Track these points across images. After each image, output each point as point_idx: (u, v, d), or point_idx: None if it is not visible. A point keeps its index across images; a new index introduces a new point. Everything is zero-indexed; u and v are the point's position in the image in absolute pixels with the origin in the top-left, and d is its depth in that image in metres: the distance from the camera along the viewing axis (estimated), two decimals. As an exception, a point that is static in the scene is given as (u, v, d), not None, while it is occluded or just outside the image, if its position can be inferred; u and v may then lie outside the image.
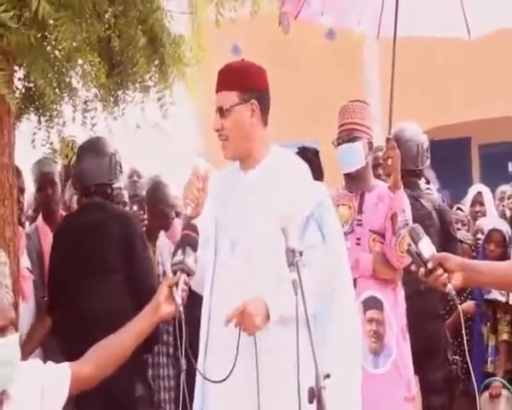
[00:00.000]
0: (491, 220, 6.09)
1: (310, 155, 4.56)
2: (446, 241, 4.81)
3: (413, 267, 2.58)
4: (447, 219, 5.03)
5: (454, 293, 2.52)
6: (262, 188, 3.07)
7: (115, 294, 4.17)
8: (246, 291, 2.92)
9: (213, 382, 2.88)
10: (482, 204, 6.56)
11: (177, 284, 2.52)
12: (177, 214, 5.85)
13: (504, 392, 5.25)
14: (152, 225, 5.13)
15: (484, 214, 6.49)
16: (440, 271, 2.51)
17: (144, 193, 5.45)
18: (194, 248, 2.61)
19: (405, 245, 2.68)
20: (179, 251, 2.59)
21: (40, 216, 5.00)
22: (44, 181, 4.92)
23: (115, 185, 4.49)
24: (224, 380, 2.82)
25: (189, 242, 2.61)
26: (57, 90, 4.06)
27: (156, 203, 5.13)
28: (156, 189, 5.22)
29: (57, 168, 4.99)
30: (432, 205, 4.93)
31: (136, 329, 2.55)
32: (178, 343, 2.55)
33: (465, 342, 2.80)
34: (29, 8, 3.53)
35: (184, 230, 2.67)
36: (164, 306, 2.53)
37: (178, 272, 2.55)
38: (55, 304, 4.34)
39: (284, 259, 2.55)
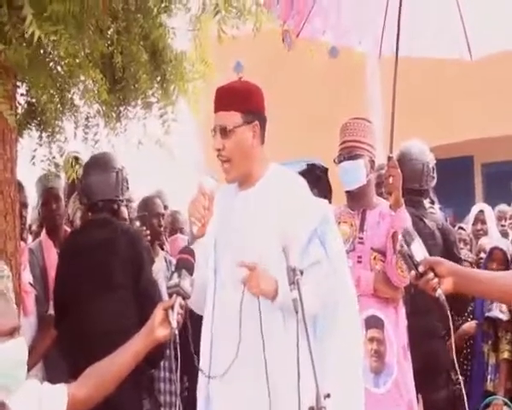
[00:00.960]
0: (492, 239, 6.07)
1: (319, 173, 4.56)
2: (450, 261, 4.78)
3: (404, 269, 2.56)
4: (451, 239, 5.00)
5: (443, 298, 2.51)
6: (262, 206, 3.06)
7: (123, 310, 4.15)
8: (246, 312, 2.91)
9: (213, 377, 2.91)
10: (484, 222, 6.55)
11: (172, 307, 2.52)
12: (181, 230, 5.87)
13: None
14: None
15: (486, 233, 6.49)
16: (431, 275, 2.52)
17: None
18: (191, 272, 2.60)
19: (398, 246, 2.66)
20: (175, 274, 2.58)
21: (44, 231, 5.02)
22: (49, 196, 4.95)
23: (121, 202, 4.46)
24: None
25: (184, 265, 2.60)
26: (59, 105, 4.07)
27: (146, 216, 5.22)
28: (146, 202, 5.35)
29: (61, 184, 5.00)
30: (435, 224, 4.92)
31: (131, 351, 2.54)
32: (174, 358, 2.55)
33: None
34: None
35: (181, 253, 2.66)
36: (159, 329, 2.52)
37: (174, 295, 2.54)
38: (62, 319, 4.33)
39: (285, 277, 2.55)
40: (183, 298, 2.54)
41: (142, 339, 2.55)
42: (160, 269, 5.05)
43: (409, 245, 2.54)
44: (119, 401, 3.57)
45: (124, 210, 4.68)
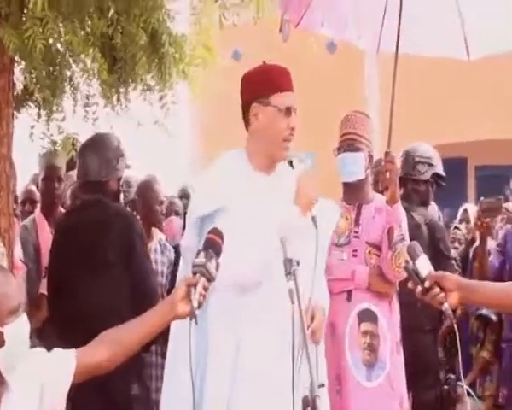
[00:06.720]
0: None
1: None
2: (435, 256, 4.76)
3: (410, 285, 2.58)
4: (437, 236, 4.99)
5: (450, 312, 2.53)
6: (278, 192, 3.09)
7: (115, 289, 4.14)
8: None
9: None
10: (468, 221, 6.57)
11: (195, 286, 2.45)
12: (176, 213, 5.87)
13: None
14: (144, 223, 5.13)
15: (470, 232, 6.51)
16: (437, 290, 2.52)
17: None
18: (218, 254, 2.52)
19: (403, 262, 2.66)
20: (202, 254, 2.50)
21: (38, 209, 5.01)
22: (51, 172, 4.94)
23: (112, 182, 4.40)
24: None
25: (212, 246, 2.53)
26: (58, 82, 4.03)
27: (147, 201, 5.17)
28: (147, 187, 5.28)
29: (63, 165, 4.98)
30: (423, 219, 4.93)
31: (148, 323, 2.47)
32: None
33: (460, 364, 2.78)
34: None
35: (210, 234, 2.58)
36: (180, 305, 2.44)
37: (198, 275, 2.46)
38: (55, 298, 4.33)
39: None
40: (208, 280, 2.47)
41: (162, 314, 2.47)
42: (153, 251, 5.05)
43: (414, 261, 2.55)
44: (109, 385, 3.60)
45: (115, 190, 4.54)
